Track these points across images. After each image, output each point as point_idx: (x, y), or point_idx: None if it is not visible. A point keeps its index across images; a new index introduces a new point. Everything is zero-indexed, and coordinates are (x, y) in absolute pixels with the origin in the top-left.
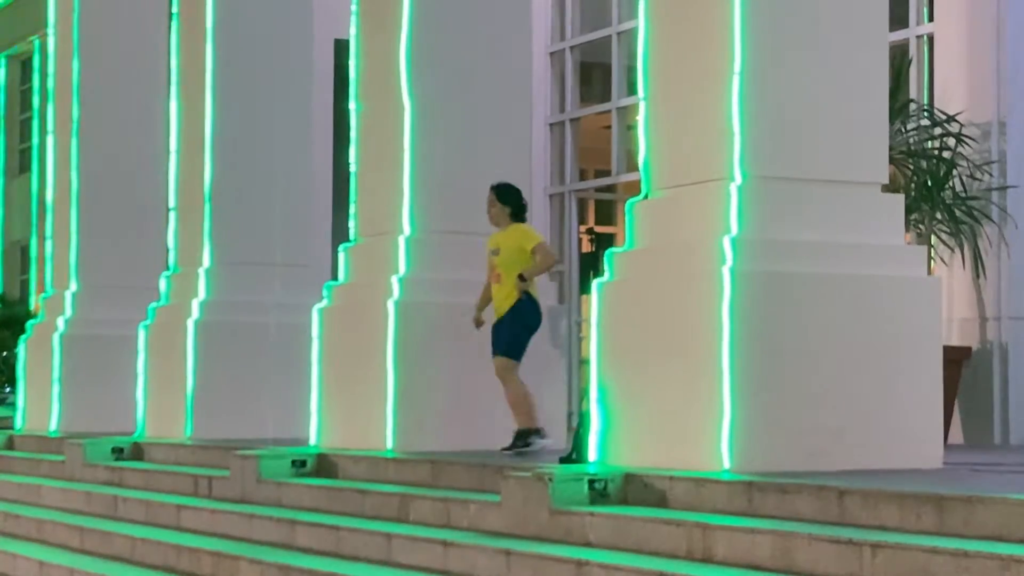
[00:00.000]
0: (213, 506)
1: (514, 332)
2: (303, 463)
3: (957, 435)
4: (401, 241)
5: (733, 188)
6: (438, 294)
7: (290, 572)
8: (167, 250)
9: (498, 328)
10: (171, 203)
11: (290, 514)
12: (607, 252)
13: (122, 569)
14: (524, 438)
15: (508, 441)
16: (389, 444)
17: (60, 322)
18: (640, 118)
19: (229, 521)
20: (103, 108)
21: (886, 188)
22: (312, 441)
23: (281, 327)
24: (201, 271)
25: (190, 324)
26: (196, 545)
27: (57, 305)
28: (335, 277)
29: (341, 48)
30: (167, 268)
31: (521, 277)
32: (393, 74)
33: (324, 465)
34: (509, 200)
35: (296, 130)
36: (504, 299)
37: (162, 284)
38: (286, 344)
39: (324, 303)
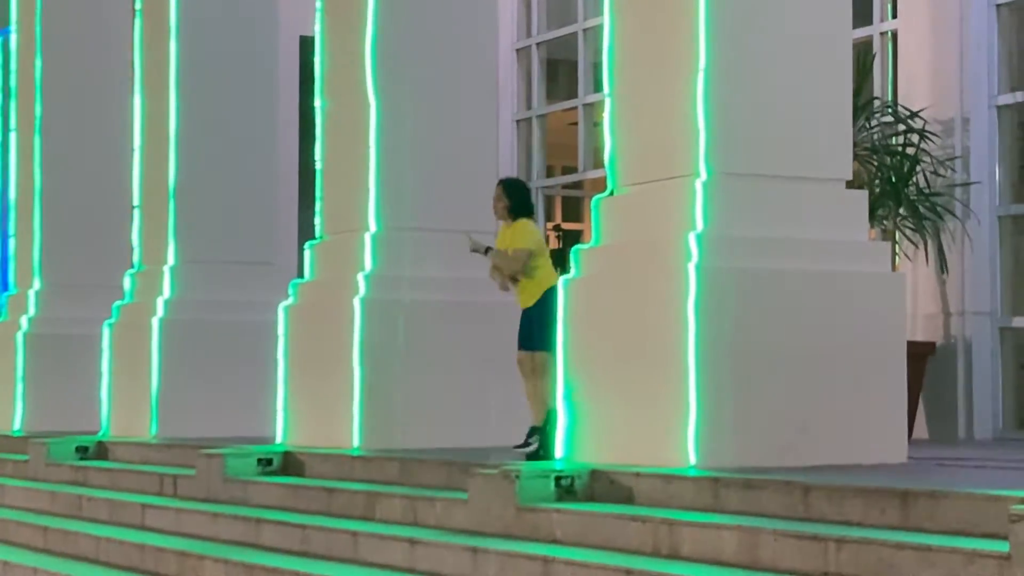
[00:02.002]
0: (178, 505)
1: (546, 322)
2: (269, 461)
3: (922, 430)
4: (367, 238)
5: (698, 184)
6: (404, 291)
7: (256, 571)
8: (131, 248)
9: (527, 323)
10: (135, 201)
11: (256, 513)
12: (573, 249)
13: (86, 569)
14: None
15: (513, 441)
16: (356, 442)
17: (23, 321)
18: (606, 115)
19: (194, 520)
20: (66, 105)
21: (850, 184)
22: (278, 439)
23: (247, 325)
24: (166, 269)
25: (155, 322)
26: (161, 544)
27: (20, 304)
28: (301, 275)
29: (306, 45)
30: (131, 266)
31: (487, 250)
32: (359, 71)
33: (290, 463)
34: (509, 194)
35: (261, 127)
36: (527, 296)
37: (126, 282)
38: (252, 342)
39: (290, 301)
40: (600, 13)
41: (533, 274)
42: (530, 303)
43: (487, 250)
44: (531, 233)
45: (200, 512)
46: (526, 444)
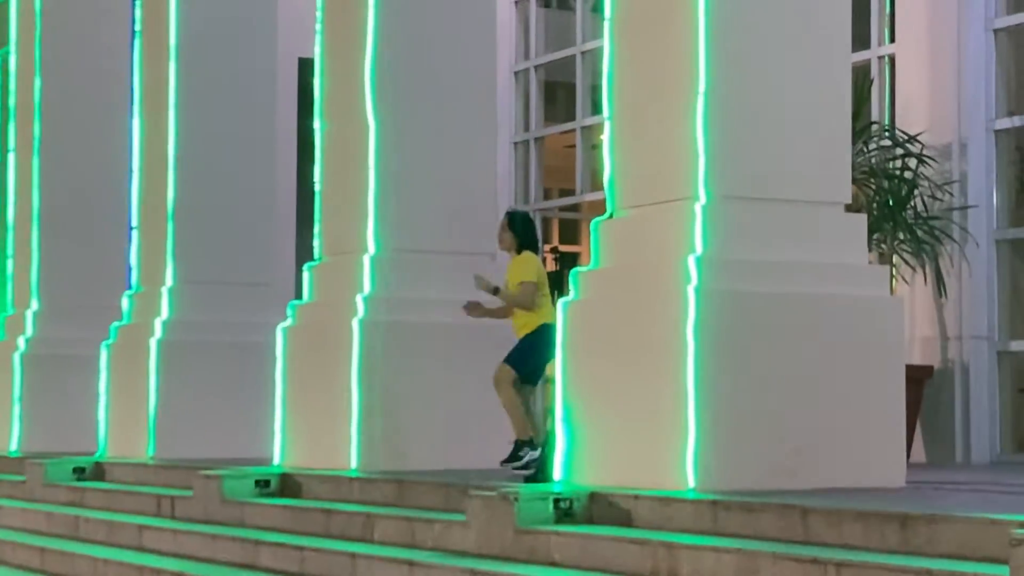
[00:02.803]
0: (176, 526)
1: (526, 346)
2: (267, 483)
3: (919, 454)
4: (366, 260)
5: (698, 208)
6: (403, 313)
7: None
8: (129, 269)
9: (518, 343)
10: (133, 221)
11: (254, 534)
12: (572, 271)
13: None
14: (517, 451)
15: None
16: (353, 463)
17: (21, 341)
18: (605, 137)
19: (192, 541)
20: (65, 126)
21: (849, 208)
22: (276, 461)
23: (245, 346)
24: (164, 290)
25: (152, 343)
26: (158, 566)
27: (18, 324)
28: (299, 296)
29: (305, 66)
30: (129, 287)
31: (496, 290)
32: (357, 93)
33: (288, 485)
34: (515, 228)
35: (260, 148)
36: (521, 327)
37: (124, 303)
38: (250, 363)
39: (288, 322)
40: (599, 36)
41: (532, 307)
42: (525, 332)
43: (496, 290)
44: (535, 266)
45: (198, 533)
46: (515, 458)
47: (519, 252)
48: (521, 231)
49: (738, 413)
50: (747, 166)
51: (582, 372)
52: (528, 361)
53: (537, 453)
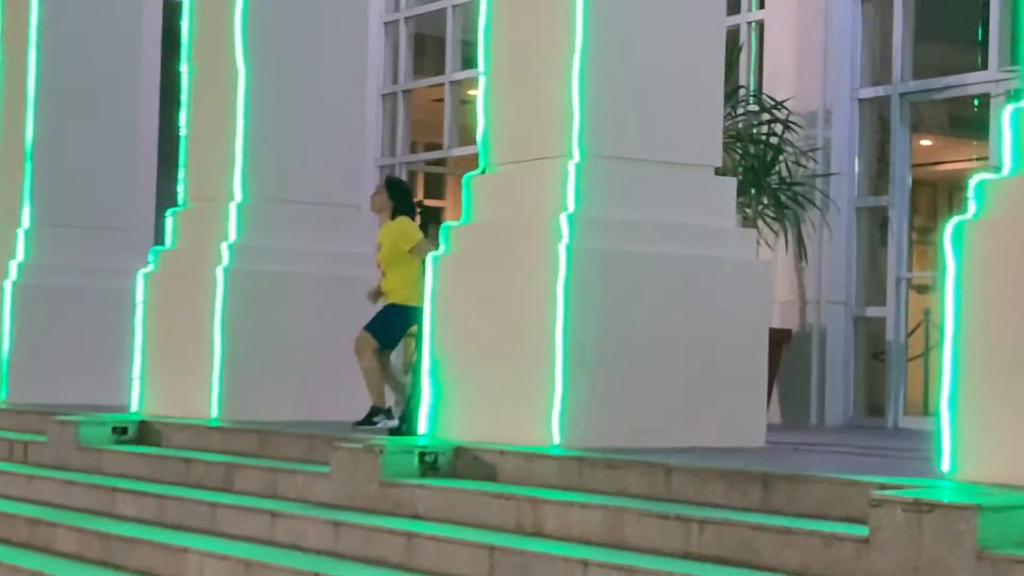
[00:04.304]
0: (29, 472)
1: (389, 317)
2: (124, 430)
3: (775, 415)
4: (232, 208)
5: (571, 166)
6: (268, 263)
7: (111, 541)
8: None
9: (381, 310)
10: None
11: (111, 481)
12: (443, 226)
13: None
14: (371, 416)
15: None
16: (214, 413)
17: None
18: (480, 93)
19: (47, 487)
20: None
21: (718, 172)
22: (134, 408)
23: (103, 291)
24: (20, 231)
25: (7, 285)
26: (11, 511)
27: None
28: (159, 242)
29: (170, 8)
30: None
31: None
32: (228, 38)
33: (146, 433)
34: (394, 194)
35: (122, 90)
36: (391, 292)
37: None
38: (108, 309)
39: (150, 268)
40: None
41: (409, 275)
42: (394, 301)
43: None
44: (414, 230)
45: (53, 479)
46: (369, 423)
47: (393, 217)
48: (400, 199)
49: (604, 371)
50: (621, 126)
51: (450, 326)
52: (390, 331)
53: (394, 423)
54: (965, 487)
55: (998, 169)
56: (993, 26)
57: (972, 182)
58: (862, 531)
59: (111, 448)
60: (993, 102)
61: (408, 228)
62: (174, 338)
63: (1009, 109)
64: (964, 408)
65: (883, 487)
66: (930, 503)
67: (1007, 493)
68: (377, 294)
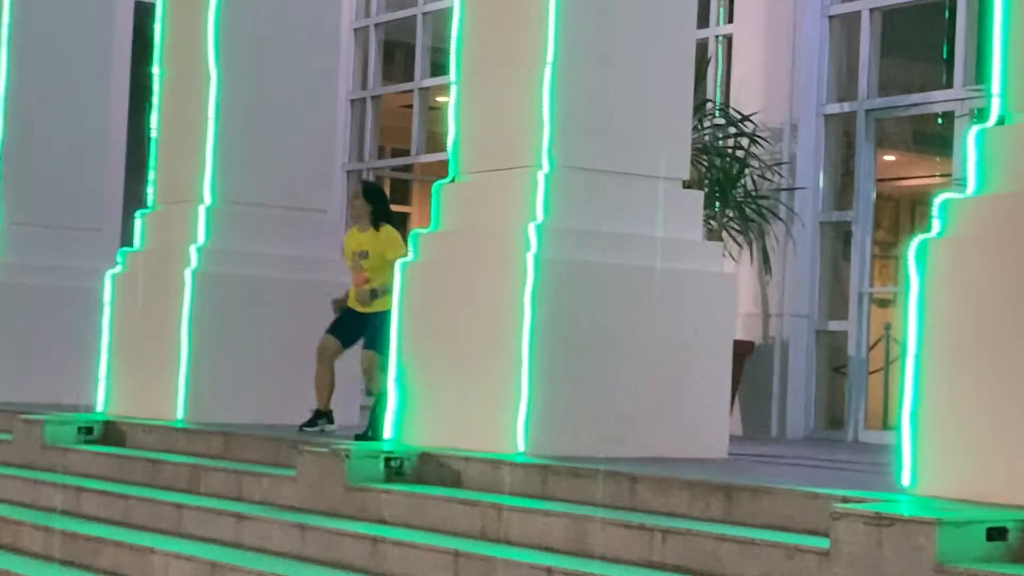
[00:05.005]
0: None
1: (385, 327)
2: (90, 430)
3: (736, 427)
4: (201, 210)
5: (540, 176)
6: (237, 265)
7: (77, 540)
8: None
9: (371, 323)
10: None
11: (77, 481)
12: (412, 233)
13: None
14: (316, 419)
15: (306, 417)
16: (180, 414)
17: None
18: (451, 101)
19: (11, 486)
20: None
21: (687, 184)
22: (100, 408)
23: (70, 291)
24: None
25: None
26: None
27: None
28: (127, 243)
29: (142, 10)
30: None
31: (374, 293)
32: (200, 41)
33: (112, 433)
34: (373, 199)
35: (94, 92)
36: (379, 301)
37: None
38: (76, 309)
39: (118, 269)
40: None
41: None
42: (388, 308)
43: (372, 293)
44: (401, 243)
45: (18, 478)
46: (312, 424)
47: (376, 224)
48: (378, 204)
49: (570, 380)
50: (591, 138)
51: (418, 333)
52: (387, 340)
53: (334, 426)
54: (925, 501)
55: (963, 187)
56: (959, 45)
57: (937, 201)
58: (823, 543)
59: (77, 448)
60: (957, 120)
61: (398, 239)
62: (141, 339)
63: (974, 130)
64: (925, 423)
65: (845, 500)
66: (890, 517)
67: (967, 508)
68: (342, 303)
